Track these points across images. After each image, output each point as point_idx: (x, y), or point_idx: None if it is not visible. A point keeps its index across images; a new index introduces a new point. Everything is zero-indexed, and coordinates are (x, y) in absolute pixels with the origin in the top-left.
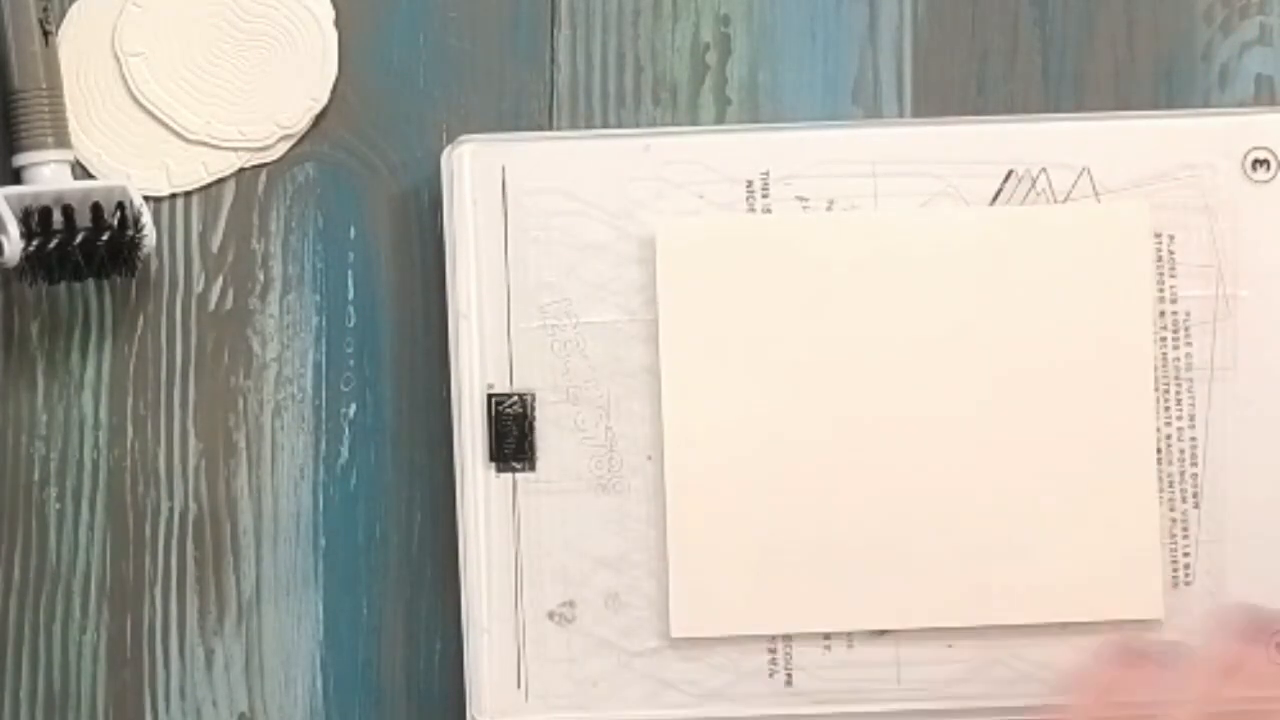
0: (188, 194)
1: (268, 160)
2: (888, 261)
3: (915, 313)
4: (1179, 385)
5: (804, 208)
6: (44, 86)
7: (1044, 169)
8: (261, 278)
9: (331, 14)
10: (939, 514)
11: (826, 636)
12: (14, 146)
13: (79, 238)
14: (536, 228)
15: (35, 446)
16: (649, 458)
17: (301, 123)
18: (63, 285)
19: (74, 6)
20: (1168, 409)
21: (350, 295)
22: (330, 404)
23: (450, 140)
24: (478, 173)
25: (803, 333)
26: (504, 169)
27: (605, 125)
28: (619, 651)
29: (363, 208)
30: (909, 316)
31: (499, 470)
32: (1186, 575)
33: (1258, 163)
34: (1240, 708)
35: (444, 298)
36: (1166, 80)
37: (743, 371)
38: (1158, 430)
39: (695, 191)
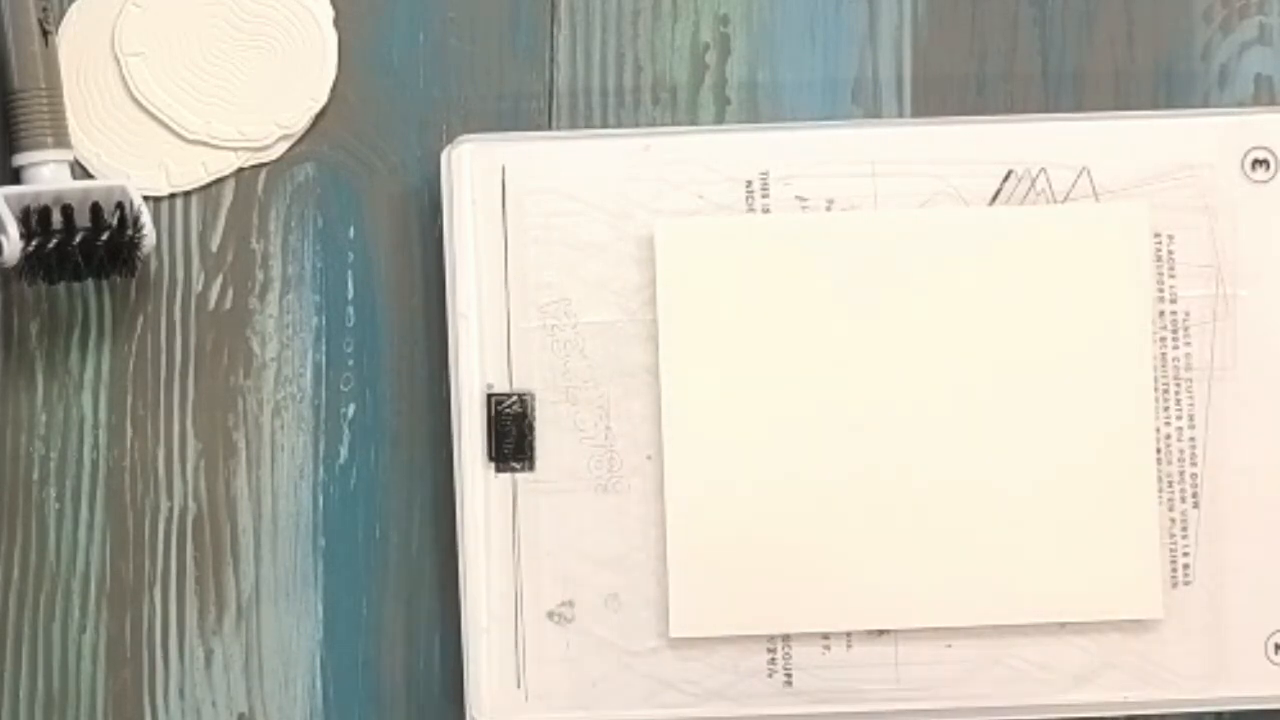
0: (187, 194)
1: (267, 160)
2: (887, 261)
3: (914, 313)
4: (1178, 385)
5: (803, 208)
6: (43, 86)
7: (1043, 169)
8: (261, 277)
9: (331, 14)
10: (938, 514)
11: (825, 636)
12: (13, 146)
13: (78, 238)
14: (536, 228)
15: (35, 446)
16: (649, 458)
17: (301, 123)
18: (62, 285)
19: (74, 6)
20: (1167, 409)
21: (350, 295)
22: (330, 404)
23: (450, 140)
24: (477, 173)
25: (802, 333)
26: (504, 169)
27: (605, 125)
28: (618, 651)
29: (362, 208)
30: (908, 316)
31: (498, 470)
32: (1186, 575)
33: (1257, 163)
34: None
35: (443, 298)
36: (1166, 80)
37: (742, 371)
38: (1157, 430)
39: (695, 191)
